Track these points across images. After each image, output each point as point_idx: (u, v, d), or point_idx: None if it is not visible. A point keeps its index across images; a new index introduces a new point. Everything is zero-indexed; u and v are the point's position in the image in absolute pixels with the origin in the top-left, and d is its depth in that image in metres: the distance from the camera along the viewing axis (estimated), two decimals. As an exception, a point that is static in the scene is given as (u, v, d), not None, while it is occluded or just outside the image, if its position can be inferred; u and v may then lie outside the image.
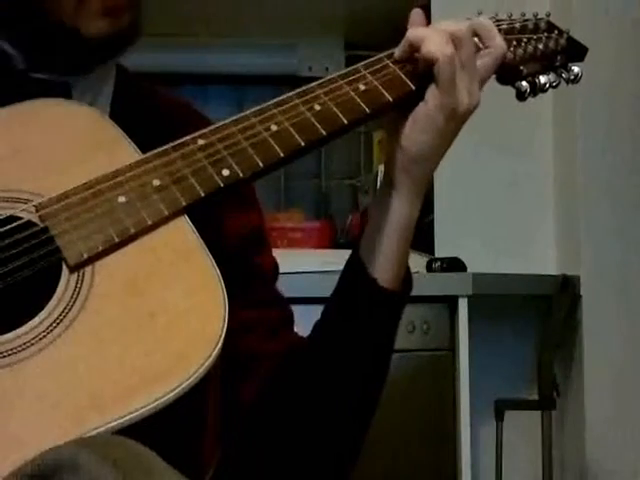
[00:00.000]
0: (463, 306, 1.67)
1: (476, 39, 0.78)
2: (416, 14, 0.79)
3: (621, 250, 1.85)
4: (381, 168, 2.09)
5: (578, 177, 1.91)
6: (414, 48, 0.76)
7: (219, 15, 2.22)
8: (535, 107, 1.96)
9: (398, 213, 0.79)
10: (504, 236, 2.01)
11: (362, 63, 0.78)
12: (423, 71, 0.76)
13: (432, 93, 0.75)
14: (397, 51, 0.78)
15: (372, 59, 0.78)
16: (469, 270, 1.76)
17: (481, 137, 2.00)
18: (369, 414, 0.83)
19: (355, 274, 0.80)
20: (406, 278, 0.81)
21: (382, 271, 0.78)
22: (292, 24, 2.30)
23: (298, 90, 0.75)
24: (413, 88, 0.76)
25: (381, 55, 0.78)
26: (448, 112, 0.75)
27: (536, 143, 2.04)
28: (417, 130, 0.76)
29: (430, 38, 0.75)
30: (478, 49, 0.78)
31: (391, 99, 0.75)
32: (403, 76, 0.77)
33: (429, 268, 1.80)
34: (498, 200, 2.03)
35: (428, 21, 0.80)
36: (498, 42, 0.79)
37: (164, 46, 2.14)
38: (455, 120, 0.76)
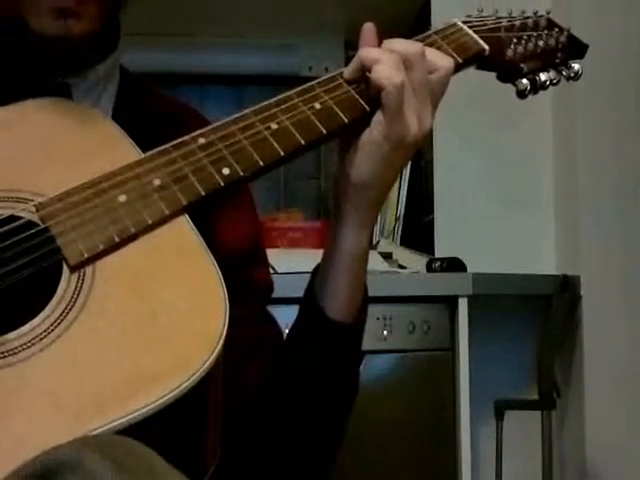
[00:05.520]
0: (463, 306, 1.67)
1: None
2: (368, 29, 0.75)
3: (621, 250, 1.85)
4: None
5: (578, 177, 1.91)
6: (365, 69, 0.73)
7: (219, 15, 2.22)
8: (535, 107, 1.96)
9: (344, 244, 0.76)
10: (504, 236, 2.01)
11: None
12: (374, 94, 0.73)
13: (378, 120, 0.72)
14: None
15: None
16: (469, 270, 1.76)
17: (481, 137, 2.00)
18: (334, 442, 0.82)
19: (306, 303, 0.78)
20: (361, 309, 0.78)
21: (330, 301, 0.76)
22: (292, 24, 2.30)
23: (298, 89, 0.75)
24: (368, 109, 0.73)
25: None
26: (395, 141, 0.71)
27: (536, 143, 2.04)
28: (362, 157, 0.73)
29: (381, 62, 0.71)
30: (430, 71, 0.74)
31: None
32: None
33: (429, 268, 1.81)
34: (498, 200, 2.03)
35: (389, 35, 0.76)
36: (445, 61, 0.75)
37: (164, 46, 2.15)
38: (403, 149, 0.72)
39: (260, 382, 0.81)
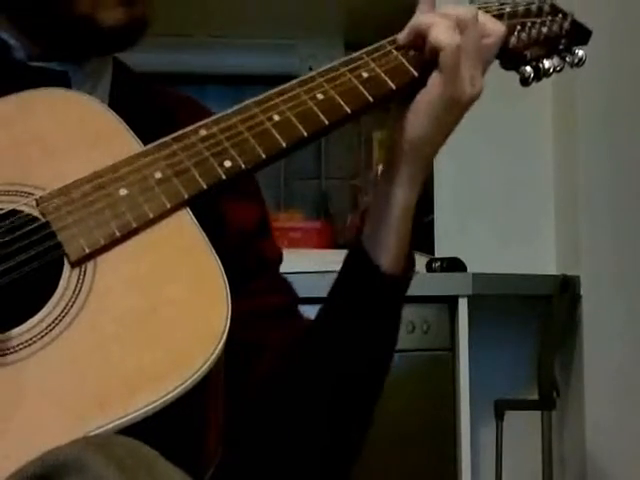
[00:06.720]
0: (463, 306, 1.67)
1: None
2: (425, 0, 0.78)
3: (621, 250, 1.85)
4: (381, 168, 2.08)
5: (578, 177, 1.91)
6: (420, 34, 0.75)
7: (219, 15, 2.21)
8: (535, 107, 1.96)
9: (398, 198, 0.78)
10: (504, 236, 2.01)
11: (364, 50, 0.77)
12: (427, 58, 0.75)
13: (435, 81, 0.74)
14: (401, 36, 0.77)
15: (374, 45, 0.77)
16: (469, 270, 1.76)
17: (481, 137, 2.00)
18: (370, 406, 0.83)
19: (358, 262, 0.79)
20: (408, 264, 0.81)
21: (385, 257, 0.78)
22: (292, 24, 2.30)
23: (299, 79, 0.74)
24: (416, 75, 0.75)
25: (383, 42, 0.77)
26: (450, 101, 0.74)
27: (536, 143, 2.04)
28: (418, 117, 0.75)
29: (437, 25, 0.74)
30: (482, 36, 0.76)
31: (394, 87, 0.74)
32: (406, 63, 0.76)
33: (429, 268, 1.80)
34: (498, 200, 2.03)
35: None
36: (498, 27, 0.77)
37: (164, 46, 2.14)
38: (456, 109, 0.75)
39: (286, 346, 0.81)
